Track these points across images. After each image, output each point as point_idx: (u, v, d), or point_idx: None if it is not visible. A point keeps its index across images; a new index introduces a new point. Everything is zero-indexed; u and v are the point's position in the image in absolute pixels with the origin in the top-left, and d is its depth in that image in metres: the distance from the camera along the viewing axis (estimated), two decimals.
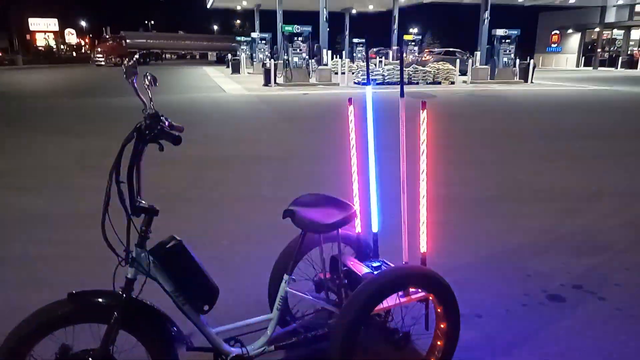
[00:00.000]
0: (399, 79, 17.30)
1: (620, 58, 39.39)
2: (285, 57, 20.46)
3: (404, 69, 20.83)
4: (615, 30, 41.70)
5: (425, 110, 1.98)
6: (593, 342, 2.46)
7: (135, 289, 1.68)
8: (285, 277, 2.05)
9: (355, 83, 20.22)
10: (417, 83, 20.37)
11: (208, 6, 40.63)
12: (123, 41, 45.07)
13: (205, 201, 4.83)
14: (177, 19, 73.71)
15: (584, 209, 4.61)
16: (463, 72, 22.62)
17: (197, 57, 63.35)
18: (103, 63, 39.67)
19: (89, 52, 54.29)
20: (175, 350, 1.72)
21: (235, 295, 2.85)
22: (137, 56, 45.34)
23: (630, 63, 38.75)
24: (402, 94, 2.03)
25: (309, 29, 20.43)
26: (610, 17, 41.44)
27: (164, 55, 57.88)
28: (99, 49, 41.77)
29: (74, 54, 52.48)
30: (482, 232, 4.02)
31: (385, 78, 19.94)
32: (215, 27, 75.40)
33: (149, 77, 1.76)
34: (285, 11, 30.66)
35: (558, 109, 12.81)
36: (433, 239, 3.42)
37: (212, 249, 3.60)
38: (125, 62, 1.63)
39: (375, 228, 2.32)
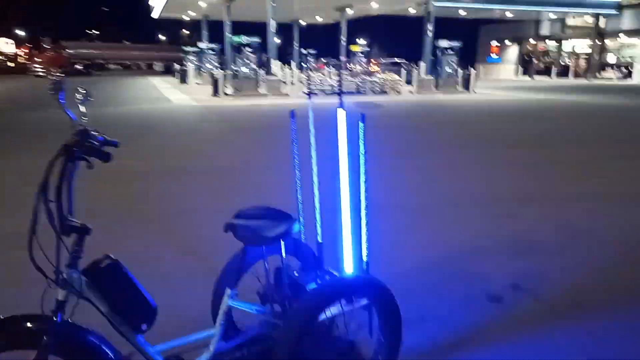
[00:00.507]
0: (347, 89, 17.58)
1: (554, 68, 41.78)
2: (234, 68, 20.34)
3: (351, 79, 21.24)
4: (549, 42, 44.22)
5: (364, 123, 2.02)
6: (528, 341, 2.58)
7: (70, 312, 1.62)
8: (228, 291, 2.02)
9: (304, 93, 20.35)
10: (365, 93, 20.75)
11: (155, 16, 39.84)
12: (64, 51, 43.39)
13: (149, 216, 4.71)
14: (122, 28, 71.63)
15: (521, 213, 4.83)
16: (409, 82, 23.26)
17: (144, 67, 61.90)
18: (42, 74, 37.99)
19: (27, 62, 51.87)
20: None
21: (180, 311, 2.78)
22: (79, 66, 43.84)
23: (564, 72, 41.18)
24: (341, 104, 2.07)
25: (257, 39, 20.43)
26: (545, 29, 43.95)
27: (108, 66, 56.13)
28: (38, 60, 40.00)
29: (12, 64, 49.94)
30: (425, 237, 4.13)
31: (334, 88, 20.19)
32: (162, 37, 73.93)
33: (81, 91, 1.71)
34: (234, 22, 30.52)
35: (496, 118, 13.40)
36: (377, 247, 3.48)
37: (155, 265, 3.50)
38: (50, 77, 1.58)
39: (320, 238, 2.34)
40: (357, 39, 36.49)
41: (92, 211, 4.55)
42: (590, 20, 39.09)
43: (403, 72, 23.39)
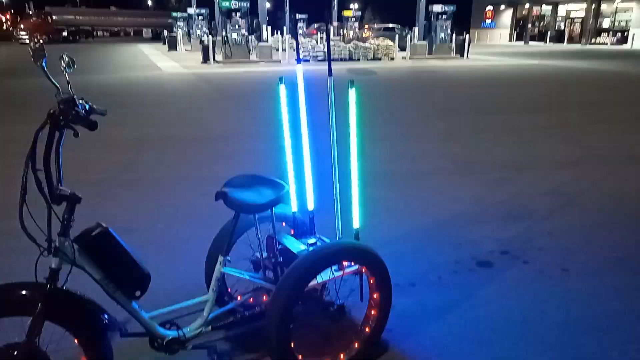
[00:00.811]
0: (340, 55, 17.28)
1: (549, 33, 41.34)
2: (224, 34, 19.94)
3: (344, 45, 20.91)
4: (544, 7, 43.57)
5: (354, 89, 2.01)
6: (515, 304, 2.64)
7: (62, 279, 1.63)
8: (221, 258, 2.05)
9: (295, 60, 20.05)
10: (358, 59, 20.48)
11: None
12: (49, 17, 42.17)
13: (141, 184, 4.70)
14: None
15: (513, 178, 4.88)
16: (402, 48, 22.97)
17: (132, 34, 60.43)
18: (27, 41, 37.01)
19: (11, 29, 50.44)
20: (106, 337, 1.69)
21: (173, 278, 2.82)
22: (65, 33, 42.76)
23: (558, 37, 40.78)
24: (330, 72, 2.05)
25: (247, 4, 19.96)
26: None
27: (95, 33, 54.75)
28: (23, 27, 38.90)
29: None
30: (417, 205, 4.17)
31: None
32: (150, 3, 72.00)
33: (65, 59, 1.68)
34: None
35: (491, 83, 13.33)
36: (368, 214, 3.52)
37: (147, 232, 3.53)
38: (31, 44, 1.55)
39: (311, 206, 2.36)
40: (350, 4, 35.80)
41: (83, 181, 4.55)
42: None
43: (396, 37, 23.03)
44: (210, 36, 19.91)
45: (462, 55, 22.50)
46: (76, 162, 5.07)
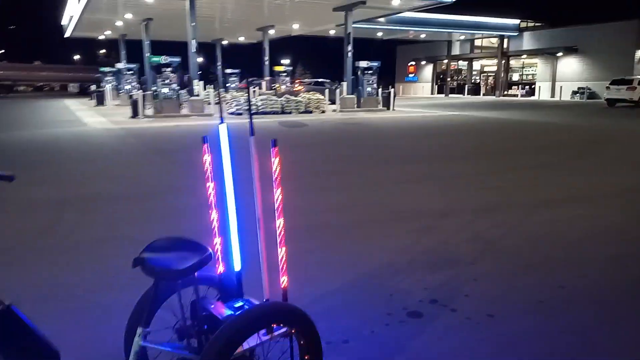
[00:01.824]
0: (273, 109, 17.56)
1: (467, 86, 44.62)
2: (154, 88, 19.77)
3: (277, 98, 21.35)
4: (460, 62, 47.18)
5: (277, 148, 2.02)
6: (447, 352, 2.67)
7: None
8: (139, 330, 1.93)
9: (229, 113, 20.15)
10: (290, 112, 20.91)
11: (66, 35, 37.93)
12: None
13: (59, 248, 4.40)
14: (32, 48, 67.39)
15: (438, 226, 5.05)
16: (332, 101, 23.79)
17: (57, 88, 58.40)
18: None
19: None
20: None
21: (94, 350, 2.61)
22: None
23: (475, 90, 44.08)
24: (251, 132, 2.06)
25: (178, 59, 20.03)
26: (455, 50, 46.88)
27: (16, 88, 52.40)
28: None
29: None
30: (347, 258, 4.19)
31: (259, 108, 20.21)
32: (77, 57, 70.36)
33: None
34: (154, 41, 29.74)
35: (416, 134, 14.02)
36: (296, 271, 3.48)
37: (64, 301, 3.27)
38: None
39: (237, 266, 2.30)
40: (281, 59, 36.86)
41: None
42: (494, 41, 42.27)
43: (326, 91, 23.89)
44: (140, 91, 19.64)
45: (388, 108, 23.63)
46: None
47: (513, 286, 3.56)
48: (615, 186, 6.96)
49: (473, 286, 3.55)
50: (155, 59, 19.87)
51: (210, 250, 2.05)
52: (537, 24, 42.21)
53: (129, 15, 27.59)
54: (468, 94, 43.50)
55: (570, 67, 36.60)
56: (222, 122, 2.29)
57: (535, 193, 6.53)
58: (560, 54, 36.86)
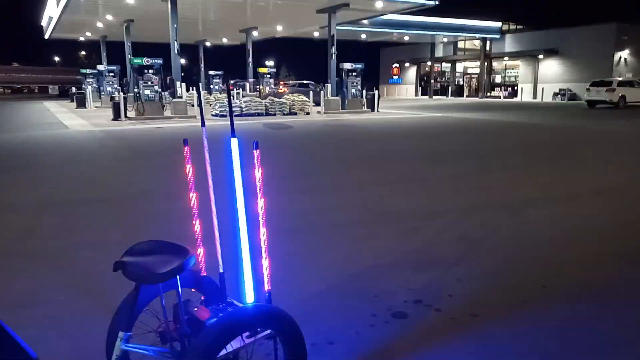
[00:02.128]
0: (257, 111, 17.51)
1: (450, 88, 45.03)
2: (136, 90, 19.56)
3: (262, 100, 21.28)
4: (443, 64, 47.59)
5: (259, 152, 2.01)
6: (431, 354, 2.68)
7: None
8: (121, 334, 1.89)
9: (212, 115, 20.03)
10: (275, 114, 20.87)
11: (46, 36, 37.37)
12: None
13: (41, 253, 4.31)
14: (10, 49, 66.24)
15: (423, 226, 5.08)
16: (317, 103, 23.80)
17: (36, 90, 57.45)
18: None
19: None
20: None
21: (74, 355, 2.56)
22: None
23: (459, 92, 44.51)
24: (233, 134, 2.05)
25: (159, 61, 19.86)
26: (439, 52, 47.28)
27: None
28: None
29: None
30: (333, 259, 4.18)
31: (243, 110, 20.13)
32: (57, 59, 69.30)
33: None
34: (136, 43, 29.47)
35: (400, 135, 14.10)
36: (281, 272, 3.47)
37: (46, 306, 3.21)
38: None
39: (221, 268, 2.28)
40: (265, 61, 36.78)
41: None
42: (477, 43, 42.75)
43: (311, 93, 23.91)
44: (121, 93, 19.43)
45: (372, 110, 23.71)
46: None
47: (496, 285, 3.59)
48: (594, 185, 7.08)
49: (457, 286, 3.57)
50: (137, 60, 19.67)
51: (193, 253, 2.03)
52: (518, 27, 42.81)
53: (109, 17, 27.30)
54: (452, 96, 43.89)
55: (552, 69, 37.20)
56: (203, 126, 2.27)
57: (521, 193, 6.61)
58: (541, 56, 37.43)
